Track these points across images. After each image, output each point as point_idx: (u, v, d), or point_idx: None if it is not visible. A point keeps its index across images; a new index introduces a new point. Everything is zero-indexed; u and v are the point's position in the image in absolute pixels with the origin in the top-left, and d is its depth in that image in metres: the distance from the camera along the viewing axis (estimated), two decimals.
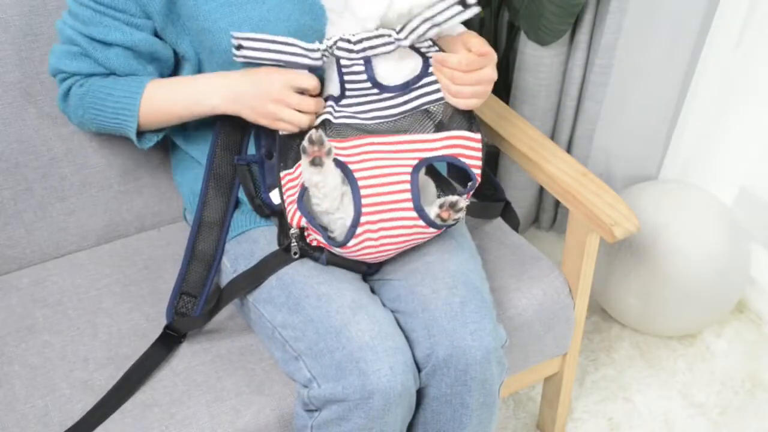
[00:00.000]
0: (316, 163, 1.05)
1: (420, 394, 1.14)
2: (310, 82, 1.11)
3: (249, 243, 1.21)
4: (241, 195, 1.24)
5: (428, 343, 1.10)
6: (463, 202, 1.09)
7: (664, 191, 1.72)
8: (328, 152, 1.06)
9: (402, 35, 1.09)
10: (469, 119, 1.13)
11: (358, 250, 1.09)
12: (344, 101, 1.14)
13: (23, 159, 1.31)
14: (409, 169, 1.09)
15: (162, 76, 1.21)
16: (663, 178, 1.96)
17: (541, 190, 2.01)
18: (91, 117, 1.19)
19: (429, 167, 1.18)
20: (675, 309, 1.68)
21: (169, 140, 1.35)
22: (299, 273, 1.14)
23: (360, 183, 1.07)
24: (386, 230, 1.08)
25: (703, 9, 1.70)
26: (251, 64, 1.13)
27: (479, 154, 1.13)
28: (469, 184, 1.12)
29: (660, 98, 1.84)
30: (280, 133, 1.15)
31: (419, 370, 1.12)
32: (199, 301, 1.20)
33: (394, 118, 1.14)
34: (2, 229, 1.32)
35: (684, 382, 1.72)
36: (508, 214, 1.42)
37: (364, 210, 1.06)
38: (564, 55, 1.72)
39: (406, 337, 1.12)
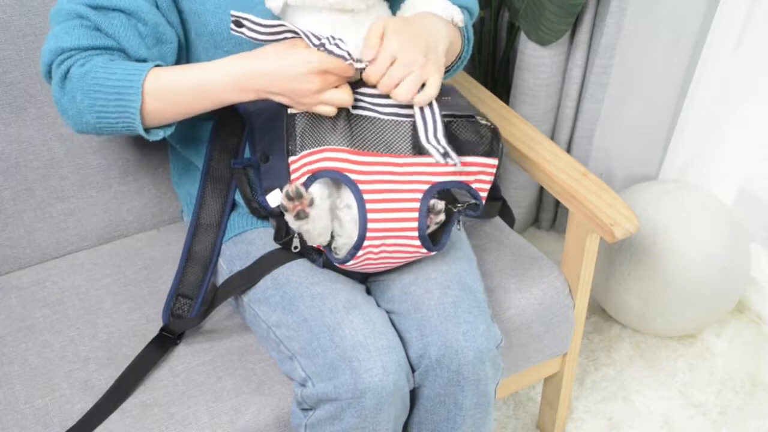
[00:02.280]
0: (300, 216, 1.03)
1: (414, 395, 1.14)
2: (347, 70, 1.03)
3: (245, 244, 1.21)
4: (238, 197, 1.24)
5: (421, 344, 1.10)
6: (440, 204, 1.09)
7: (663, 191, 1.72)
8: (311, 203, 1.03)
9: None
10: (491, 143, 1.11)
11: (356, 266, 1.10)
12: (362, 89, 1.09)
13: (23, 159, 1.31)
14: (419, 195, 1.07)
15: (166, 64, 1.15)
16: (663, 178, 1.96)
17: (541, 190, 2.01)
18: (91, 102, 1.05)
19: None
20: (675, 309, 1.68)
21: (168, 142, 1.35)
22: (294, 273, 1.14)
23: (368, 206, 1.05)
24: (388, 252, 1.08)
25: (703, 9, 1.70)
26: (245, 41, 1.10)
27: (491, 178, 1.13)
28: (474, 203, 1.12)
29: (660, 98, 1.84)
30: (289, 111, 1.09)
31: (413, 370, 1.12)
32: (196, 303, 1.20)
33: (411, 119, 1.09)
34: (2, 229, 1.32)
35: (684, 382, 1.72)
36: (503, 211, 1.43)
37: (368, 234, 1.05)
38: (564, 55, 1.72)
39: (401, 338, 1.12)
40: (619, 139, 1.86)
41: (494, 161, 1.12)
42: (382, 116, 1.09)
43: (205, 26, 1.12)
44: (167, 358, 1.19)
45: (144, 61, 1.09)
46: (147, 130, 1.09)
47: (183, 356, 1.19)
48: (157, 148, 1.39)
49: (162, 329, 1.19)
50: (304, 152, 1.08)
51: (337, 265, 1.11)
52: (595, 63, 1.68)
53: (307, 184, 1.06)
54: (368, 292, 1.19)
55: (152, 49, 1.10)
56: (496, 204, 1.41)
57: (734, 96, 1.79)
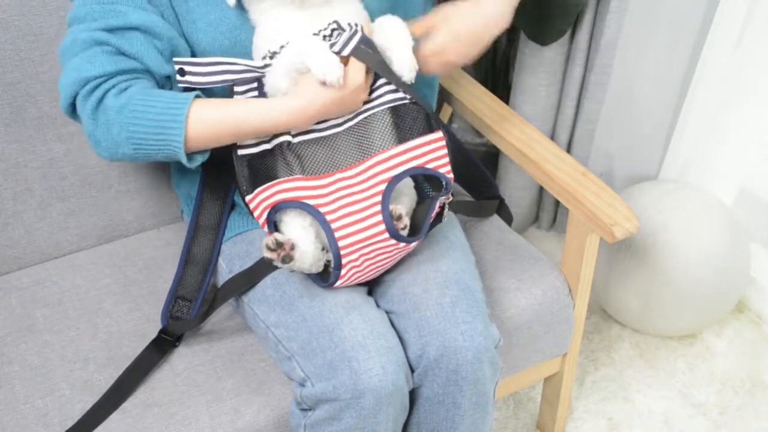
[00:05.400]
0: (286, 261, 1.05)
1: (413, 395, 1.14)
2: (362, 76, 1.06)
3: (245, 244, 1.21)
4: (238, 198, 1.24)
5: (420, 344, 1.10)
6: (399, 209, 1.08)
7: (663, 191, 1.72)
8: (292, 247, 1.05)
9: (336, 48, 1.04)
10: (427, 118, 1.09)
11: (347, 283, 1.10)
12: None
13: (23, 159, 1.31)
14: (379, 198, 1.06)
15: None
16: (663, 178, 1.96)
17: (541, 190, 2.01)
18: (129, 135, 1.02)
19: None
20: (675, 309, 1.68)
21: None
22: (294, 273, 1.14)
23: (333, 225, 1.05)
24: (370, 260, 1.08)
25: (703, 9, 1.70)
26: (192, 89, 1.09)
27: (445, 152, 1.10)
28: (445, 185, 1.11)
29: (660, 98, 1.84)
30: (238, 152, 1.09)
31: (412, 370, 1.12)
32: (195, 305, 1.20)
33: (349, 125, 1.09)
34: (2, 229, 1.32)
35: (684, 382, 1.72)
36: (501, 209, 1.43)
37: (342, 252, 1.06)
38: (564, 55, 1.72)
39: (400, 338, 1.12)
40: (619, 139, 1.86)
41: (438, 134, 1.10)
42: (322, 133, 1.09)
43: (197, 45, 1.11)
44: (167, 358, 1.19)
45: (167, 78, 1.09)
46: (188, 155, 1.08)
47: (183, 356, 1.19)
48: None
49: (161, 331, 1.19)
50: (258, 189, 1.08)
51: (326, 288, 1.11)
52: (595, 63, 1.68)
53: (269, 218, 1.07)
54: (370, 293, 1.19)
55: (170, 64, 1.09)
56: (494, 203, 1.42)
57: (734, 96, 1.79)
